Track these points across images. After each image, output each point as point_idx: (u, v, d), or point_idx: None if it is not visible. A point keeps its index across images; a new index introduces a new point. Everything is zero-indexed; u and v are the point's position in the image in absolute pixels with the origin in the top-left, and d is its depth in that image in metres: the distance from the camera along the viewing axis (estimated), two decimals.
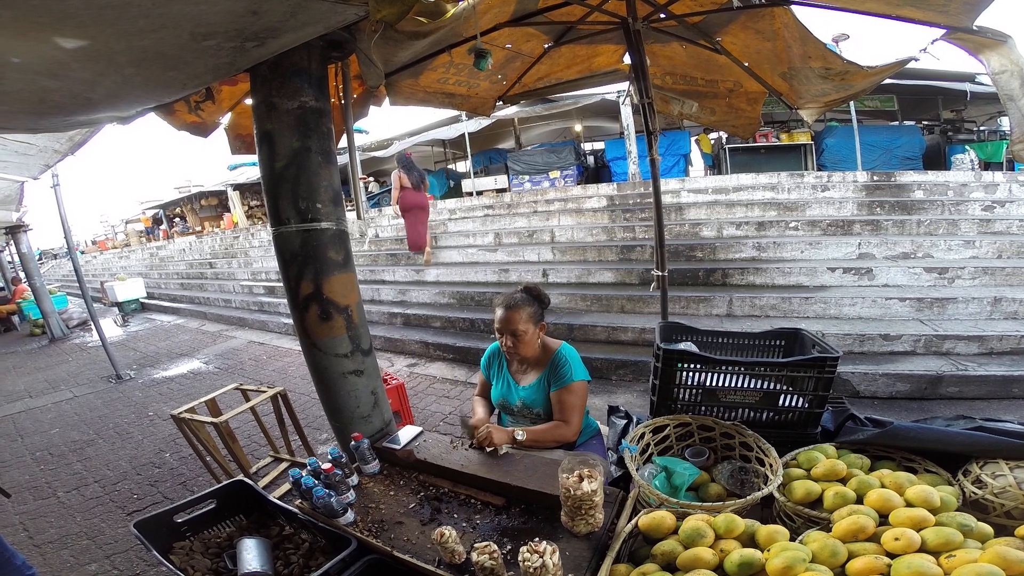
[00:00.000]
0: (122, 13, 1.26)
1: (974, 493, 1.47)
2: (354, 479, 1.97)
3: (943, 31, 2.01)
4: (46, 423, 5.29)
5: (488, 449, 2.00)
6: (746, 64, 3.08)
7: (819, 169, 10.00)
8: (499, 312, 2.18)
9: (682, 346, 2.06)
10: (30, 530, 3.22)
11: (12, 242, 10.51)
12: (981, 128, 11.19)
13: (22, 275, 11.99)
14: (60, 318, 10.93)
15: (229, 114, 2.79)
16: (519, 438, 2.04)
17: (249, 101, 2.35)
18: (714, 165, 11.36)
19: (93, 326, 6.92)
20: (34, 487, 3.81)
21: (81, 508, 3.43)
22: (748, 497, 1.53)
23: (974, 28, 1.92)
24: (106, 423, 5.06)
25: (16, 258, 11.91)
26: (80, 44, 1.38)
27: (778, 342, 2.29)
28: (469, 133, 11.58)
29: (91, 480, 3.82)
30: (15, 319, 12.71)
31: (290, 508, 1.88)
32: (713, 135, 11.40)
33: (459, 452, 2.05)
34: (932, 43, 2.06)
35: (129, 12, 1.25)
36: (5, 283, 14.50)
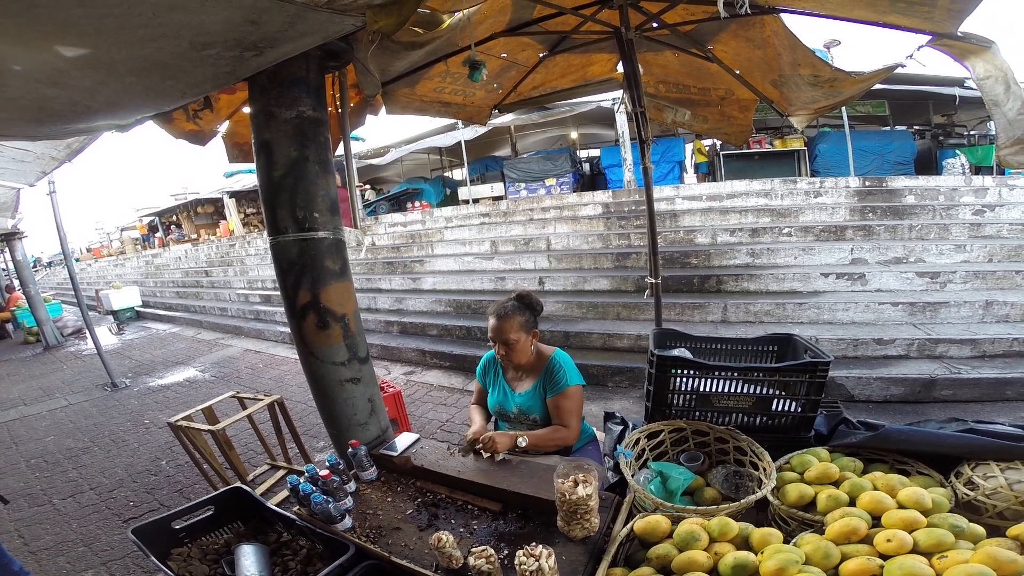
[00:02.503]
0: (123, 22, 1.27)
1: (966, 495, 1.49)
2: (352, 486, 1.97)
3: (928, 37, 2.05)
4: (41, 431, 5.26)
5: (486, 455, 2.01)
6: (737, 72, 3.12)
7: (812, 175, 10.08)
8: (491, 321, 2.20)
9: (676, 352, 2.08)
10: (25, 537, 3.20)
11: (7, 249, 10.46)
12: (971, 132, 11.30)
13: (16, 283, 11.94)
14: (55, 326, 10.87)
15: (227, 123, 2.81)
16: (521, 443, 2.05)
17: (247, 110, 2.36)
18: (709, 172, 11.43)
19: (88, 334, 6.89)
20: (29, 494, 3.79)
21: (77, 515, 3.41)
22: (742, 501, 1.55)
23: (958, 34, 1.96)
24: (101, 431, 5.03)
25: (11, 265, 11.85)
26: (81, 53, 1.40)
27: (771, 347, 2.31)
28: (465, 141, 11.62)
29: (87, 487, 3.80)
30: (9, 327, 12.63)
31: (288, 514, 1.88)
32: (707, 142, 11.47)
33: (456, 458, 2.06)
34: (918, 49, 2.09)
35: (130, 22, 1.27)
36: None
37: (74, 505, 3.56)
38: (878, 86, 4.32)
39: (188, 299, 12.90)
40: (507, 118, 11.11)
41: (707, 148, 11.47)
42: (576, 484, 1.50)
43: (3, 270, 15.10)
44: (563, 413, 2.15)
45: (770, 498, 1.57)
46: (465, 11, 2.21)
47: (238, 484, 2.20)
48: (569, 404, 2.15)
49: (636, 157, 9.59)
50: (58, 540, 3.14)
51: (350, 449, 2.02)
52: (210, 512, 1.98)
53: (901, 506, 1.39)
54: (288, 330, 7.65)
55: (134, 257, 23.26)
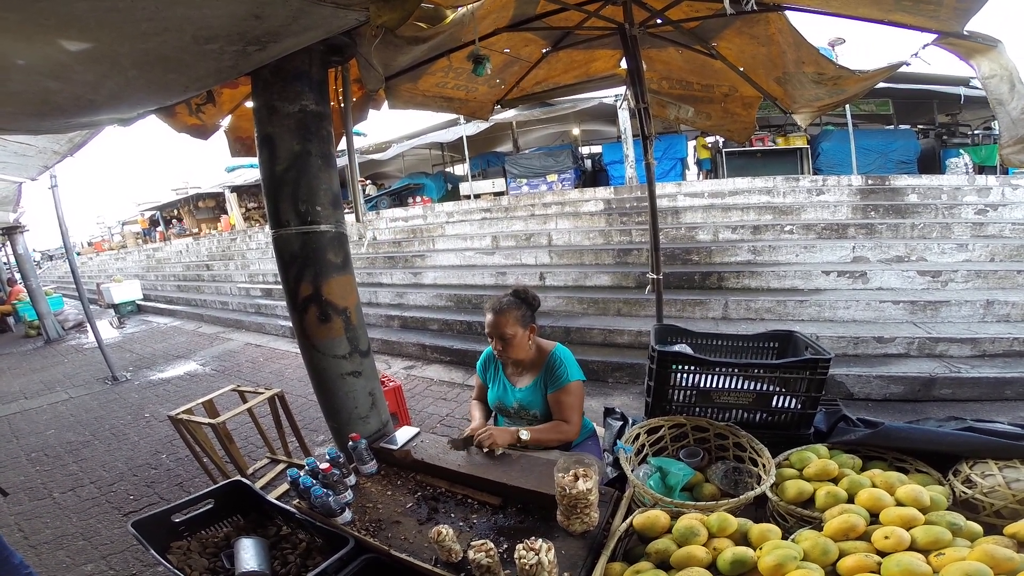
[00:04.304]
0: (126, 16, 1.27)
1: (964, 493, 1.49)
2: (352, 479, 1.98)
3: (934, 36, 2.04)
4: (41, 424, 5.28)
5: (485, 450, 2.01)
6: (741, 69, 3.11)
7: (815, 173, 10.07)
8: (488, 316, 2.20)
9: (676, 348, 2.08)
10: (25, 530, 3.22)
11: (8, 243, 10.48)
12: (975, 132, 11.27)
13: (18, 276, 11.95)
14: (56, 319, 10.89)
15: (229, 117, 2.81)
16: (524, 437, 2.04)
17: (250, 104, 2.36)
18: (711, 169, 11.42)
19: (89, 328, 6.91)
20: (29, 488, 3.81)
21: (77, 509, 3.42)
22: (741, 497, 1.55)
23: (965, 33, 1.95)
24: (102, 424, 5.05)
25: (12, 259, 11.86)
26: (84, 47, 1.40)
27: (771, 344, 2.31)
28: (467, 136, 11.61)
29: (87, 481, 3.82)
30: (10, 320, 12.66)
31: (288, 508, 1.88)
32: (710, 139, 11.46)
33: (456, 452, 2.06)
34: (923, 48, 2.09)
35: (133, 15, 1.27)
36: (1, 284, 14.45)
37: (74, 499, 3.58)
38: (882, 84, 4.31)
39: (189, 293, 12.92)
40: (509, 114, 11.12)
41: (710, 144, 11.45)
42: (576, 479, 1.51)
43: (4, 264, 15.12)
44: (564, 409, 2.15)
45: (769, 494, 1.58)
46: (469, 6, 2.21)
47: (238, 478, 2.20)
48: (570, 400, 2.16)
49: (638, 153, 9.62)
50: (58, 534, 3.15)
51: (350, 443, 2.02)
52: (210, 505, 1.99)
53: (899, 503, 1.40)
54: (289, 324, 7.66)
55: (135, 251, 23.28)
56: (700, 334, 2.40)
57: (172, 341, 9.01)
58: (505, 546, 1.52)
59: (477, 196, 12.66)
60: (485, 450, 2.01)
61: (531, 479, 1.78)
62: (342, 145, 2.67)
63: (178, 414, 3.15)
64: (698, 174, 12.09)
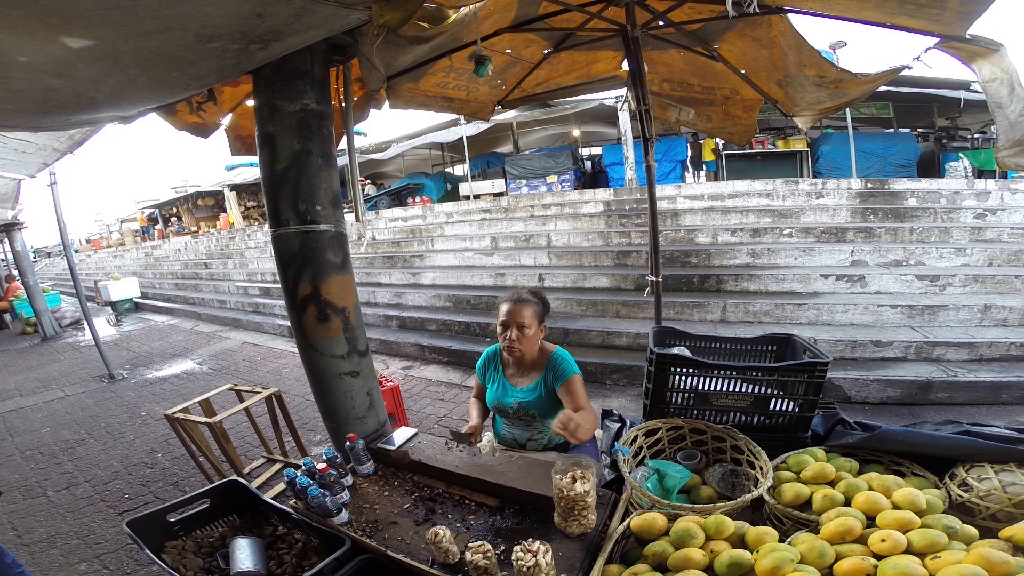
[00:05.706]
0: (130, 14, 1.27)
1: (960, 496, 1.49)
2: (349, 479, 1.98)
3: (936, 39, 2.04)
4: (37, 422, 5.26)
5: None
6: (743, 71, 3.12)
7: (815, 176, 10.08)
8: (506, 306, 2.22)
9: (675, 351, 2.08)
10: (19, 529, 3.21)
11: (6, 240, 10.45)
12: (975, 136, 11.29)
13: (15, 273, 11.92)
14: (53, 317, 10.85)
15: (230, 115, 2.81)
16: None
17: (251, 102, 2.36)
18: (715, 170, 11.43)
19: (86, 325, 6.88)
20: (24, 486, 3.79)
21: (71, 507, 3.41)
22: (738, 499, 1.55)
23: (967, 37, 1.95)
24: (98, 423, 5.04)
25: (10, 256, 11.83)
26: (87, 44, 1.39)
27: (770, 347, 2.32)
28: (467, 137, 11.62)
29: (82, 480, 3.81)
30: (7, 317, 12.61)
31: (284, 508, 1.88)
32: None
33: (454, 453, 2.06)
34: (925, 51, 2.09)
35: (136, 13, 1.27)
36: None
37: (69, 497, 3.56)
38: (883, 88, 4.33)
39: (187, 291, 12.89)
40: (509, 115, 11.12)
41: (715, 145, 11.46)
42: (574, 480, 1.51)
43: (2, 260, 15.06)
44: (578, 396, 2.15)
45: (766, 497, 1.58)
46: (471, 6, 2.21)
47: (234, 477, 2.20)
48: (579, 388, 2.18)
49: (638, 155, 9.63)
50: (52, 532, 3.14)
51: (348, 443, 2.02)
52: (205, 505, 1.98)
53: (896, 507, 1.40)
54: (286, 323, 7.65)
55: (133, 249, 23.22)
56: (698, 337, 2.40)
57: (169, 339, 8.99)
58: (502, 548, 1.52)
59: (477, 197, 12.66)
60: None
61: (529, 481, 1.78)
62: (342, 144, 2.67)
63: (174, 413, 3.15)
64: (696, 175, 12.09)
